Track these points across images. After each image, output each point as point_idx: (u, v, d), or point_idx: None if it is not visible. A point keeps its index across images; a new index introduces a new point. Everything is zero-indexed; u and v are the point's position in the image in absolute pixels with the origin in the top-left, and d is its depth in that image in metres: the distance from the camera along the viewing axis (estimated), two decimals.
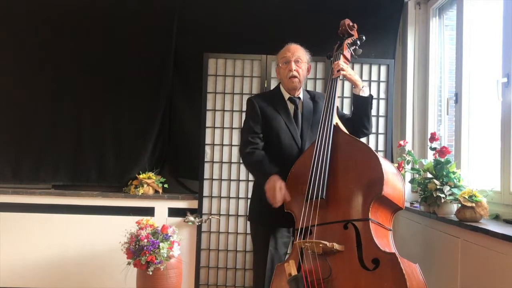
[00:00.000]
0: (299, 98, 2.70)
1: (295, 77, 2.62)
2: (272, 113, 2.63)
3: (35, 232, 3.75)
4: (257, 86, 3.74)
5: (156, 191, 3.85)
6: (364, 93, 2.61)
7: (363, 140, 3.56)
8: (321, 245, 2.16)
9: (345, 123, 2.63)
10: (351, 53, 2.71)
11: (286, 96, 2.69)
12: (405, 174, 2.99)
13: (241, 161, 3.66)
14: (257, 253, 2.68)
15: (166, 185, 3.89)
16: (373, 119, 3.48)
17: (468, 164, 3.00)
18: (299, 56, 2.64)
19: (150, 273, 3.24)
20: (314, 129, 2.61)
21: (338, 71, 2.56)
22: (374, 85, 3.69)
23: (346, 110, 3.58)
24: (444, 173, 2.70)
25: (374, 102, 3.15)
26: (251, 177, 3.64)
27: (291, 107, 2.67)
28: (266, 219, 2.61)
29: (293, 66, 2.62)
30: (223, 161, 3.72)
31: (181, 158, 3.99)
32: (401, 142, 3.14)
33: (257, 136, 2.61)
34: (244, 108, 3.65)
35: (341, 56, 2.63)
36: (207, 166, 3.72)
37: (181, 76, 3.97)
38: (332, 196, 2.30)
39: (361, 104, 2.62)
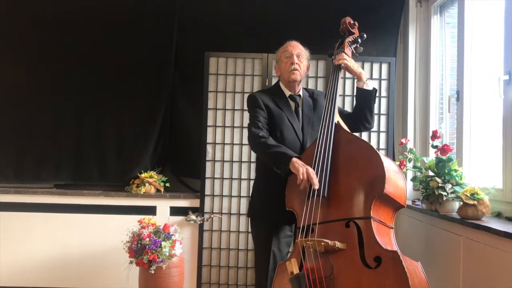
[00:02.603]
0: (299, 95, 2.72)
1: (297, 70, 2.65)
2: (275, 109, 2.64)
3: (37, 232, 3.75)
4: (258, 84, 3.74)
5: (158, 190, 3.85)
6: (368, 86, 2.62)
7: (365, 138, 3.59)
8: (323, 243, 2.16)
9: (346, 117, 2.64)
10: (352, 51, 2.71)
11: (287, 93, 2.70)
12: (406, 172, 2.99)
13: (242, 160, 3.69)
14: (259, 253, 2.67)
15: (168, 184, 3.89)
16: (375, 117, 3.48)
17: (470, 161, 2.99)
18: (300, 51, 2.69)
19: (152, 271, 3.25)
20: (314, 126, 2.62)
21: (341, 59, 2.59)
22: (375, 83, 3.68)
23: (347, 109, 3.57)
24: (446, 171, 2.70)
25: (376, 100, 3.15)
26: (252, 176, 3.65)
27: (292, 104, 2.69)
28: (267, 217, 2.61)
29: (295, 59, 2.66)
30: (225, 159, 3.72)
31: (182, 157, 3.99)
32: (403, 140, 3.14)
33: (266, 126, 2.60)
34: (246, 107, 3.66)
35: (342, 54, 2.64)
36: (208, 165, 3.72)
37: (182, 75, 3.97)
38: (333, 194, 2.30)
39: (365, 98, 2.63)
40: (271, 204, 2.57)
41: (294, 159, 2.35)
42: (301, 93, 2.73)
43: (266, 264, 2.55)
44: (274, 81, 3.68)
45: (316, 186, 2.28)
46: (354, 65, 2.63)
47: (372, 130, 3.56)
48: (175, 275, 3.40)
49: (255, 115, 2.62)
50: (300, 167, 2.30)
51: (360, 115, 2.66)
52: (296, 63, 2.65)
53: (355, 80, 2.70)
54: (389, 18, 3.80)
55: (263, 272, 2.59)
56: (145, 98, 3.95)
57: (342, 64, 2.60)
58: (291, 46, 2.69)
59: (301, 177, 2.28)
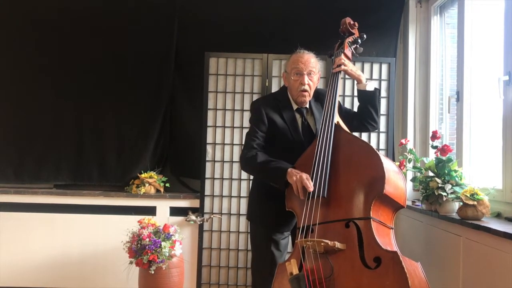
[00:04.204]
0: (306, 108, 2.62)
1: (307, 91, 2.55)
2: (280, 122, 2.55)
3: (37, 232, 3.75)
4: (258, 85, 3.75)
5: (158, 190, 3.85)
6: (369, 87, 2.60)
7: (364, 138, 3.59)
8: (322, 243, 2.16)
9: (351, 117, 2.62)
10: (352, 51, 2.71)
11: (294, 106, 2.61)
12: (406, 173, 2.99)
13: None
14: (257, 253, 2.66)
15: (167, 184, 3.89)
16: None
17: (469, 162, 2.99)
18: (312, 68, 2.55)
19: (152, 272, 3.25)
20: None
21: (339, 65, 2.55)
22: (375, 84, 3.66)
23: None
24: (446, 171, 2.70)
25: (380, 99, 3.12)
26: (252, 176, 3.64)
27: (298, 117, 2.60)
28: (266, 219, 2.60)
29: (306, 80, 2.53)
30: (225, 160, 3.72)
31: (182, 157, 3.98)
32: (403, 141, 3.14)
33: (262, 144, 2.54)
34: (245, 107, 3.68)
35: (342, 54, 2.64)
36: (208, 165, 3.72)
37: (182, 75, 3.97)
38: (333, 195, 2.30)
39: (368, 99, 2.60)
40: (269, 205, 2.57)
41: (289, 170, 2.33)
42: (307, 105, 2.62)
43: (264, 265, 2.55)
44: (274, 81, 3.69)
45: (310, 189, 2.26)
46: (353, 68, 2.60)
47: None
48: (175, 275, 3.40)
49: (255, 130, 2.53)
50: (294, 176, 2.29)
51: (366, 115, 2.62)
52: (307, 84, 2.53)
53: (355, 83, 2.68)
54: (389, 19, 3.80)
55: (259, 273, 2.59)
56: (145, 98, 3.95)
57: (341, 75, 2.56)
58: (302, 62, 2.52)
59: (295, 185, 2.27)
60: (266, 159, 2.45)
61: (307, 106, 2.63)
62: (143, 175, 3.81)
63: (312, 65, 2.56)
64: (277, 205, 2.47)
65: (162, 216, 3.75)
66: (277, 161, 2.42)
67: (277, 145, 2.55)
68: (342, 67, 2.56)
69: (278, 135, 2.56)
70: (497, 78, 2.57)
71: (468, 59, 3.01)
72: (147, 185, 3.79)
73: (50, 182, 3.92)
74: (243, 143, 2.64)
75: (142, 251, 3.24)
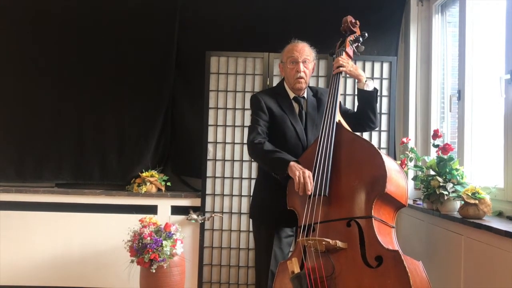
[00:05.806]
0: (303, 97, 2.68)
1: (302, 78, 2.60)
2: (278, 111, 2.60)
3: (39, 231, 3.76)
4: (259, 84, 3.74)
5: (159, 189, 3.86)
6: (369, 87, 2.60)
7: (366, 137, 3.59)
8: (324, 242, 2.16)
9: (350, 117, 2.63)
10: (354, 50, 2.71)
11: (291, 95, 2.66)
12: (408, 171, 2.99)
13: (244, 159, 3.69)
14: (260, 252, 2.67)
15: (169, 183, 3.89)
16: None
17: (471, 161, 2.99)
18: (306, 56, 2.61)
19: (153, 271, 3.25)
20: (318, 127, 2.60)
21: (338, 67, 2.57)
22: (376, 82, 3.68)
23: (348, 107, 3.57)
24: (447, 170, 2.70)
25: (378, 100, 3.14)
26: (253, 175, 3.65)
27: (296, 106, 2.65)
28: (268, 218, 2.60)
29: (301, 67, 2.59)
30: (226, 159, 3.72)
31: (184, 156, 3.99)
32: (404, 139, 3.13)
33: (265, 130, 2.58)
34: (247, 106, 3.68)
35: (344, 53, 2.64)
36: (209, 164, 3.72)
37: (183, 74, 3.97)
38: (335, 194, 2.30)
39: (366, 98, 2.62)
40: (272, 204, 2.57)
41: (292, 163, 2.34)
42: (305, 94, 2.69)
43: (267, 264, 2.55)
44: (275, 80, 3.69)
45: (309, 192, 2.27)
46: (352, 68, 2.61)
47: None
48: (176, 274, 3.40)
49: (256, 118, 2.59)
50: (297, 171, 2.30)
51: (364, 116, 2.64)
52: (303, 71, 2.59)
53: (356, 81, 2.69)
54: (390, 17, 3.80)
55: (263, 272, 2.59)
56: (146, 97, 3.95)
57: (342, 74, 2.58)
58: (297, 51, 2.60)
59: (297, 180, 2.27)
60: (272, 149, 2.48)
61: (305, 96, 2.67)
62: (144, 174, 3.81)
63: (307, 53, 2.62)
64: (279, 204, 2.48)
65: (163, 215, 3.75)
66: (282, 152, 2.45)
67: (279, 132, 2.58)
68: (341, 68, 2.58)
69: (279, 123, 2.58)
70: (498, 77, 2.57)
71: (469, 58, 3.01)
72: (148, 184, 3.79)
73: (52, 181, 3.92)
74: (246, 138, 2.66)
75: (143, 250, 3.24)
